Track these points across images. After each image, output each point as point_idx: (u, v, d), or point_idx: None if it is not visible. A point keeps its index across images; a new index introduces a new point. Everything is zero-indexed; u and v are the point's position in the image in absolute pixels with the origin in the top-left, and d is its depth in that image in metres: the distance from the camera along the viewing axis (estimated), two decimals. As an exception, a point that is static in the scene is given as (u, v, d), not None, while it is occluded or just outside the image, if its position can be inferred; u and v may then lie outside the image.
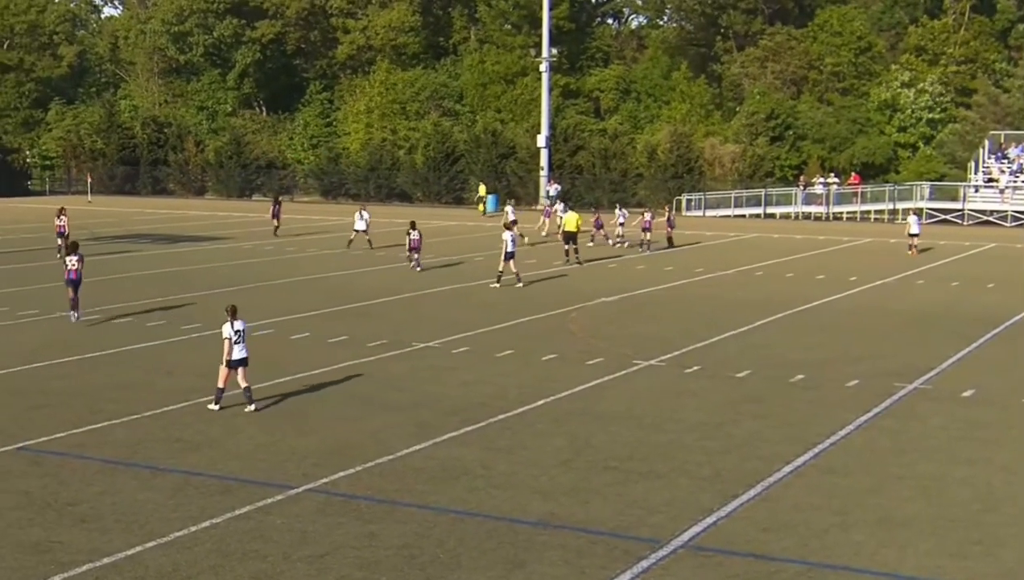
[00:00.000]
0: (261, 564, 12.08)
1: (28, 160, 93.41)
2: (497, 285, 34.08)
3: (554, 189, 72.48)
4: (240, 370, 18.33)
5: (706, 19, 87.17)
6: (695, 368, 22.47)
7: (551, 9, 74.21)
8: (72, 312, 27.38)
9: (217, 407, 18.44)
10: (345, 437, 17.06)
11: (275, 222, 50.61)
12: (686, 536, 13.16)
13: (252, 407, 18.42)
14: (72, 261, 27.54)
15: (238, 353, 18.24)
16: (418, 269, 37.26)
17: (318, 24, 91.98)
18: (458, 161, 77.19)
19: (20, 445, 16.35)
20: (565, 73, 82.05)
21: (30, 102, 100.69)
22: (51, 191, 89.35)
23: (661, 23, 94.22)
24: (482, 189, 69.20)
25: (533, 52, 77.09)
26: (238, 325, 18.36)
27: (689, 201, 68.01)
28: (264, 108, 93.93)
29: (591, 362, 22.89)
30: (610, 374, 21.80)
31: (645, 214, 46.35)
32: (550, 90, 74.81)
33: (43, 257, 41.21)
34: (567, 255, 40.60)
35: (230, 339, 18.18)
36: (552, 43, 73.98)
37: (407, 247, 37.95)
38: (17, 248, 44.11)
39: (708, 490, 14.81)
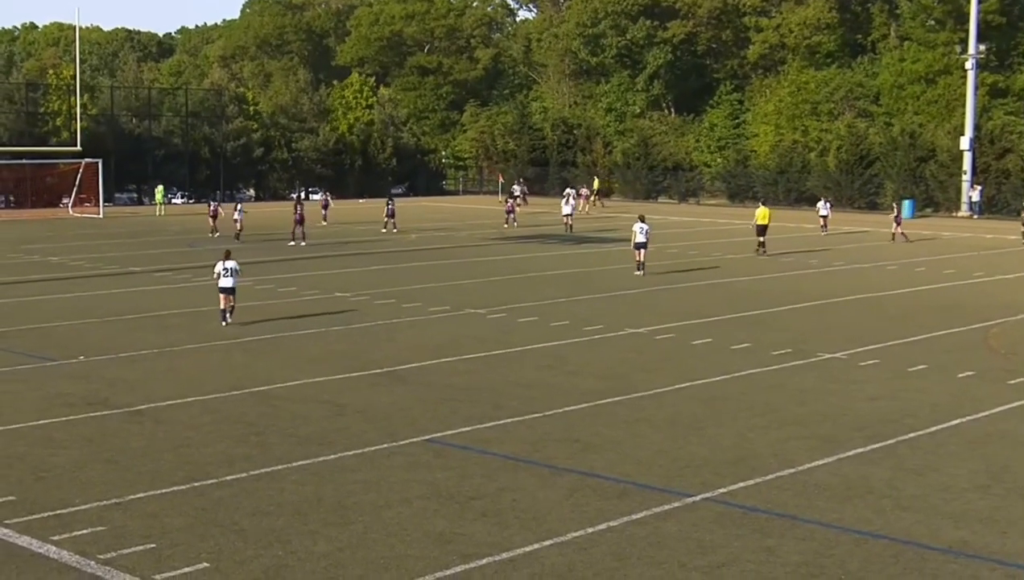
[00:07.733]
0: (656, 571, 11.92)
1: (443, 160, 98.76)
2: (640, 273, 36.08)
3: (977, 193, 68.76)
4: (231, 297, 25.43)
5: None
6: None
7: (980, 2, 70.35)
8: (300, 241, 44.75)
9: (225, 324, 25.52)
10: (745, 447, 16.66)
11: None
12: (1122, 581, 11.90)
13: (225, 322, 25.40)
14: (299, 209, 46.02)
15: (226, 282, 25.26)
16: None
17: (730, 23, 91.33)
18: (872, 164, 74.63)
19: (428, 437, 16.98)
20: (993, 71, 77.36)
21: (447, 104, 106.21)
22: (464, 191, 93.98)
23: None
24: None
25: (958, 49, 73.34)
26: (229, 264, 25.28)
27: None
28: (672, 109, 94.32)
29: (1013, 382, 21.29)
30: (1035, 395, 20.20)
31: None
32: (976, 89, 70.96)
33: (454, 254, 43.18)
34: (759, 248, 42.89)
35: (220, 274, 25.27)
36: (980, 39, 70.21)
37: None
38: (428, 245, 46.46)
39: None
